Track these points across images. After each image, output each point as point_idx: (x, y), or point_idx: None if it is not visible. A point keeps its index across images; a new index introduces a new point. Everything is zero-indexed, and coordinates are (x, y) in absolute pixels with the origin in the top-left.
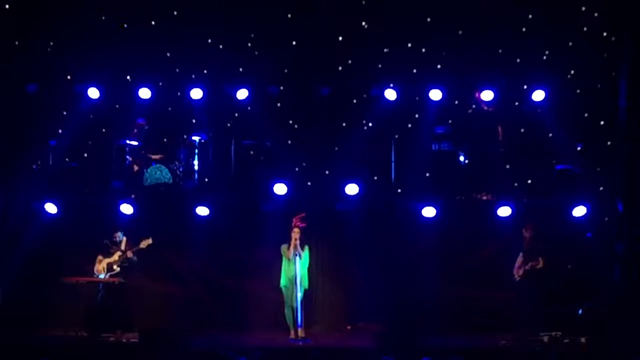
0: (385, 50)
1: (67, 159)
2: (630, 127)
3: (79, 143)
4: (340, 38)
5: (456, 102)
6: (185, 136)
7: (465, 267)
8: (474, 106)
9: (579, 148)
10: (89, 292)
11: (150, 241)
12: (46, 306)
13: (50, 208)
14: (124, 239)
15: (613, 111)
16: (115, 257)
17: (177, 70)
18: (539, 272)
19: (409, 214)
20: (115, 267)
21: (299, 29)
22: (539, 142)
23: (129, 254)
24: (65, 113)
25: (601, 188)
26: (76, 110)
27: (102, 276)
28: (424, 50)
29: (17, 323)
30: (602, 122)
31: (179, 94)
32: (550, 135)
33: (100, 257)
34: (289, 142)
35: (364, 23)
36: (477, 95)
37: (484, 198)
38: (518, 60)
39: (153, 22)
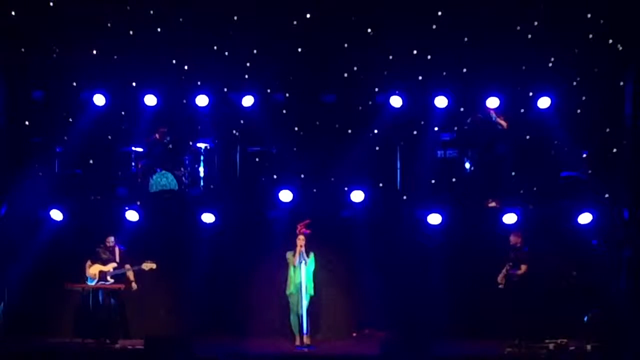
0: (390, 57)
1: (72, 166)
2: (636, 134)
3: (84, 150)
4: (346, 45)
5: (462, 109)
6: (190, 143)
7: (471, 273)
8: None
9: (584, 155)
10: (91, 299)
11: (154, 266)
12: (51, 313)
13: (56, 214)
14: (117, 249)
15: (619, 118)
16: (110, 267)
17: (183, 77)
18: (520, 279)
19: (415, 220)
20: (108, 277)
21: (305, 36)
22: (545, 149)
23: (129, 274)
24: (71, 120)
25: (607, 195)
26: (82, 116)
27: (94, 282)
28: (429, 57)
29: (22, 330)
30: (607, 129)
31: (184, 100)
32: (556, 142)
33: (89, 263)
34: (295, 149)
35: (369, 30)
36: (490, 110)
37: (491, 205)
38: (524, 67)
39: (159, 29)
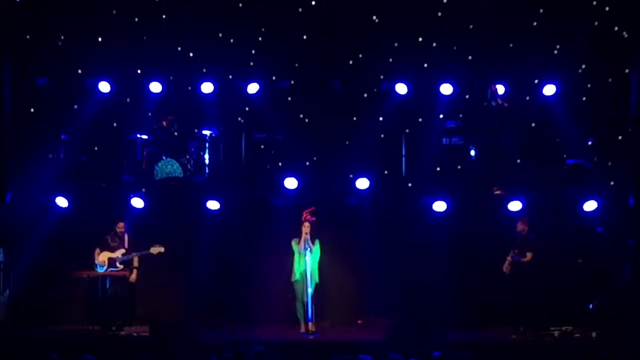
0: (396, 44)
1: (77, 153)
2: None
3: (89, 137)
4: (351, 32)
5: (467, 96)
6: (196, 130)
7: (476, 261)
8: (493, 104)
9: (589, 142)
10: (98, 286)
11: (162, 249)
12: (57, 300)
13: (61, 202)
14: (126, 235)
15: (624, 105)
16: (118, 253)
17: (188, 64)
18: (526, 266)
19: (420, 208)
20: (118, 264)
21: (310, 23)
22: (550, 137)
23: (135, 260)
24: (76, 107)
25: (612, 182)
26: (87, 104)
27: (103, 269)
28: (434, 44)
29: (28, 317)
30: (613, 117)
31: (189, 88)
32: (561, 129)
33: (98, 250)
34: (300, 136)
35: (375, 17)
36: (493, 88)
37: (496, 192)
38: (529, 54)
39: (164, 16)
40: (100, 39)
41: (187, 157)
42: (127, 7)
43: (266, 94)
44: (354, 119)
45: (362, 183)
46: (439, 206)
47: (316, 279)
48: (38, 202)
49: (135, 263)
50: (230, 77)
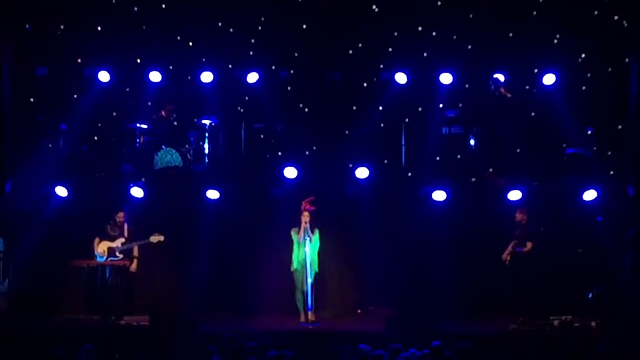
0: (395, 33)
1: (77, 143)
2: None
3: (89, 127)
4: (351, 22)
5: (467, 85)
6: (195, 119)
7: (475, 251)
8: (496, 94)
9: (589, 132)
10: (98, 276)
11: (161, 237)
12: (56, 290)
13: (61, 191)
14: (126, 225)
15: (624, 95)
16: (118, 243)
17: (188, 53)
18: (526, 256)
19: (419, 197)
20: (117, 253)
21: (310, 12)
22: (550, 126)
23: (135, 250)
24: (75, 97)
25: (611, 172)
26: (86, 93)
27: (103, 259)
28: (434, 33)
29: (28, 307)
30: (612, 106)
31: (189, 77)
32: (561, 119)
33: (97, 240)
34: (300, 125)
35: (374, 6)
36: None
37: (490, 174)
38: (529, 44)
39: (163, 5)
40: (99, 29)
41: (187, 146)
42: None
43: (266, 84)
44: (354, 108)
45: (362, 172)
46: (439, 196)
47: (316, 268)
48: (38, 191)
49: (135, 252)
50: (230, 66)
